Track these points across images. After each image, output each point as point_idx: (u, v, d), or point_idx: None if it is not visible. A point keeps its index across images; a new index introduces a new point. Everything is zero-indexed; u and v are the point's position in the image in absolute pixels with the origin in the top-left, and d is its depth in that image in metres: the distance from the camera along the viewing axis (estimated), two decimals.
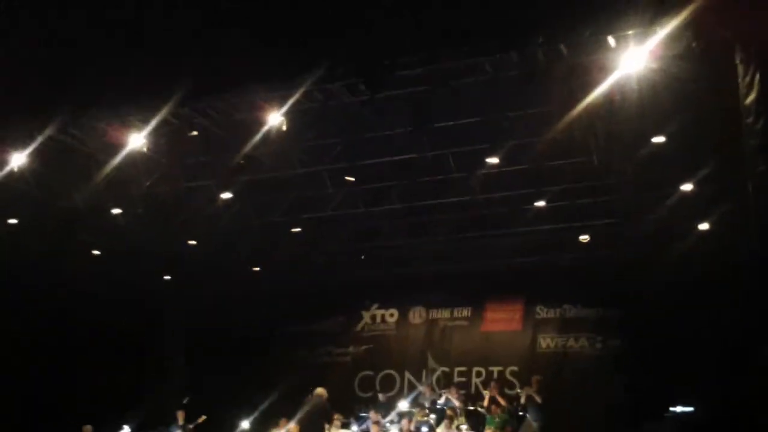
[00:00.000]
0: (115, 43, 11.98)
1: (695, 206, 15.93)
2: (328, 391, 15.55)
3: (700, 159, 14.26)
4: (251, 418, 17.69)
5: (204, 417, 17.74)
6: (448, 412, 16.32)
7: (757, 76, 9.26)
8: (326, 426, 15.12)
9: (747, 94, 9.43)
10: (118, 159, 14.46)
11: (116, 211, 17.04)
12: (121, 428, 17.58)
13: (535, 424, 15.95)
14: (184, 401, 18.89)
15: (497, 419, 16.03)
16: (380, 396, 19.30)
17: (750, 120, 9.40)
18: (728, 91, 10.09)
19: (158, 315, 21.32)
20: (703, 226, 16.42)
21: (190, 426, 17.66)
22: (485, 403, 16.61)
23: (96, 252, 18.82)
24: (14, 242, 16.90)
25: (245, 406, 18.16)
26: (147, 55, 12.02)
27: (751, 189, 9.48)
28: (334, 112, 13.42)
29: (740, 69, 9.51)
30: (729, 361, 15.28)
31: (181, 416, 17.95)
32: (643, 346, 17.77)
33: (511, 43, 11.18)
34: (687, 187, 15.23)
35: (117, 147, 14.14)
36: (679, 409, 17.42)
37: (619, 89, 11.62)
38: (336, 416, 16.57)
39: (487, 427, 15.93)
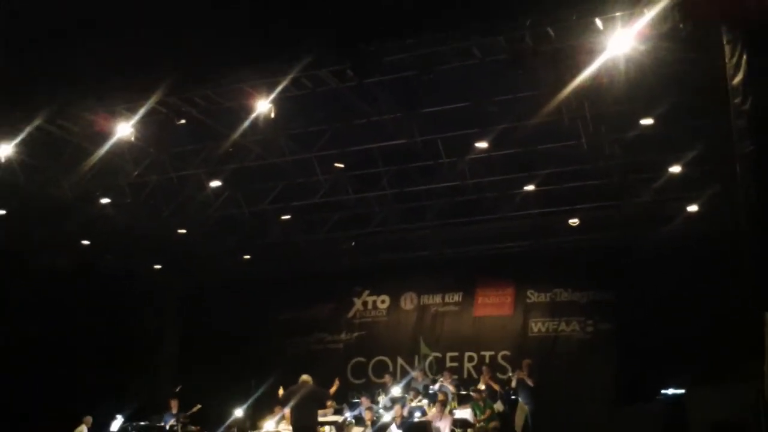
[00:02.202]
0: (102, 33, 11.92)
1: (684, 188, 15.99)
2: (321, 378, 15.55)
3: (689, 140, 14.30)
4: (245, 406, 17.66)
5: (199, 406, 17.74)
6: (440, 396, 16.37)
7: (744, 57, 9.24)
8: (318, 411, 15.14)
9: (734, 75, 9.41)
10: (105, 148, 14.43)
11: (105, 200, 16.99)
12: (114, 418, 17.53)
13: (526, 408, 16.00)
14: (177, 389, 18.85)
15: (481, 404, 16.08)
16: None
17: (738, 100, 9.39)
18: (716, 72, 10.09)
19: (150, 304, 21.27)
20: (692, 208, 16.46)
21: (185, 415, 17.63)
22: (481, 388, 16.62)
23: (86, 242, 18.76)
24: (2, 233, 16.86)
25: (238, 394, 18.15)
26: (134, 44, 11.96)
27: (739, 170, 9.49)
28: (322, 98, 13.39)
29: (727, 49, 9.48)
30: (720, 342, 15.36)
31: (174, 405, 17.95)
32: (634, 329, 17.83)
33: (499, 27, 11.15)
34: (675, 169, 15.27)
35: (104, 136, 14.09)
36: (670, 391, 17.49)
37: (607, 72, 11.61)
38: (329, 403, 16.59)
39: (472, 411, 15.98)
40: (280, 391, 14.47)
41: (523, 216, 18.06)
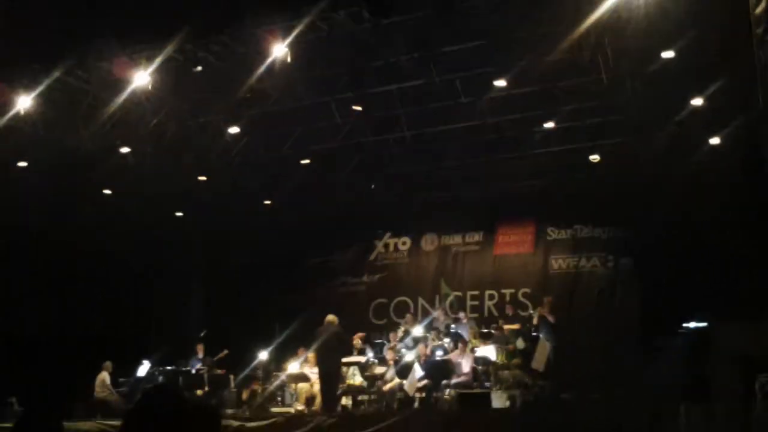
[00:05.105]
0: None
1: (706, 121, 15.83)
2: (344, 320, 15.74)
3: (711, 73, 14.12)
4: (269, 349, 17.89)
5: (226, 351, 17.97)
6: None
7: None
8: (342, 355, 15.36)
9: (757, 4, 9.25)
10: (123, 97, 14.46)
11: (125, 150, 17.05)
12: (141, 363, 17.81)
13: (548, 344, 16.10)
14: (202, 334, 19.10)
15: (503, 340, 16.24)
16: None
17: (760, 30, 9.24)
18: (737, 1, 9.91)
19: (174, 252, 21.42)
20: (715, 141, 16.32)
21: (212, 359, 17.87)
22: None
23: (107, 191, 18.86)
24: (25, 185, 16.96)
25: (263, 337, 18.38)
26: None
27: (762, 101, 9.38)
28: (339, 41, 13.31)
29: None
30: (741, 276, 15.37)
31: (200, 349, 18.18)
32: (655, 264, 17.82)
33: None
34: (698, 102, 15.10)
35: (122, 86, 14.12)
36: (692, 324, 17.55)
37: (626, 5, 11.46)
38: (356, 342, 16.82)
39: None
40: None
41: (543, 153, 17.99)
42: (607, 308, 18.52)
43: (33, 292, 17.67)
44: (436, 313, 19.23)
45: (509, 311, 17.87)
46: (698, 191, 16.69)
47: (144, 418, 3.55)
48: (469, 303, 20.16)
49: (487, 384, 15.38)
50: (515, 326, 16.83)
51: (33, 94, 13.94)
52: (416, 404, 15.05)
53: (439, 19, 12.11)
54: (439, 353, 16.20)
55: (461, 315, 18.31)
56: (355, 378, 16.06)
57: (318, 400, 15.55)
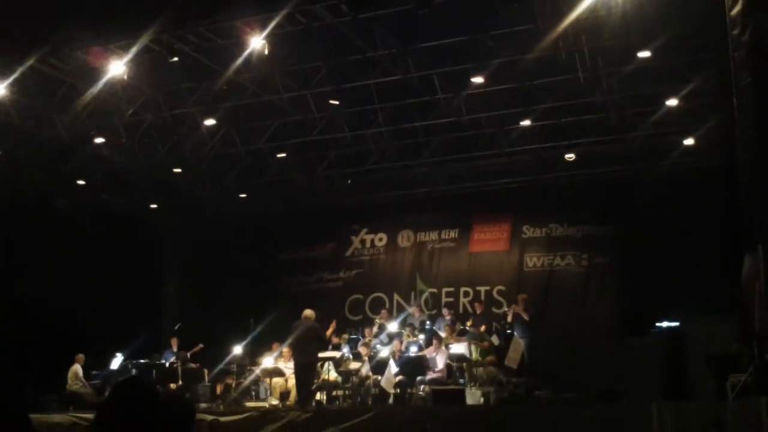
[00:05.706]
0: None
1: (682, 122, 15.92)
2: (320, 316, 15.67)
3: (687, 73, 14.20)
4: (244, 343, 17.81)
5: (201, 345, 17.89)
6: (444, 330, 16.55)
7: None
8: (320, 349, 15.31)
9: (733, 6, 9.32)
10: (99, 87, 14.33)
11: (99, 140, 16.91)
12: (114, 356, 17.68)
13: (522, 341, 16.13)
14: (176, 327, 18.98)
15: (478, 336, 16.25)
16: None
17: (736, 32, 9.32)
18: (714, 3, 9.98)
19: (147, 244, 21.28)
20: (689, 142, 16.43)
21: (186, 353, 17.78)
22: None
23: (81, 182, 18.69)
24: None
25: (238, 332, 18.29)
26: None
27: (736, 102, 9.44)
28: (317, 34, 13.26)
29: None
30: (714, 276, 15.47)
31: (174, 343, 18.08)
32: (629, 263, 17.94)
33: None
34: (673, 102, 15.19)
35: (97, 75, 13.99)
36: (665, 324, 17.67)
37: (605, 4, 11.49)
38: (334, 339, 16.79)
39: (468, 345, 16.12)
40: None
41: (520, 151, 18.02)
42: (581, 307, 18.58)
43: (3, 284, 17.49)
44: (412, 309, 19.20)
45: (478, 309, 17.88)
46: (672, 191, 16.81)
47: (116, 410, 3.51)
48: (444, 299, 20.14)
49: (461, 381, 15.39)
50: (483, 328, 16.82)
51: (6, 83, 13.79)
52: (390, 400, 15.03)
53: (418, 15, 12.04)
54: (413, 349, 16.19)
55: (444, 311, 18.30)
56: (330, 373, 16.03)
57: (292, 394, 15.52)
